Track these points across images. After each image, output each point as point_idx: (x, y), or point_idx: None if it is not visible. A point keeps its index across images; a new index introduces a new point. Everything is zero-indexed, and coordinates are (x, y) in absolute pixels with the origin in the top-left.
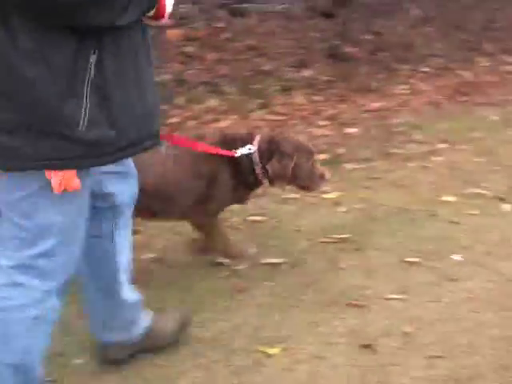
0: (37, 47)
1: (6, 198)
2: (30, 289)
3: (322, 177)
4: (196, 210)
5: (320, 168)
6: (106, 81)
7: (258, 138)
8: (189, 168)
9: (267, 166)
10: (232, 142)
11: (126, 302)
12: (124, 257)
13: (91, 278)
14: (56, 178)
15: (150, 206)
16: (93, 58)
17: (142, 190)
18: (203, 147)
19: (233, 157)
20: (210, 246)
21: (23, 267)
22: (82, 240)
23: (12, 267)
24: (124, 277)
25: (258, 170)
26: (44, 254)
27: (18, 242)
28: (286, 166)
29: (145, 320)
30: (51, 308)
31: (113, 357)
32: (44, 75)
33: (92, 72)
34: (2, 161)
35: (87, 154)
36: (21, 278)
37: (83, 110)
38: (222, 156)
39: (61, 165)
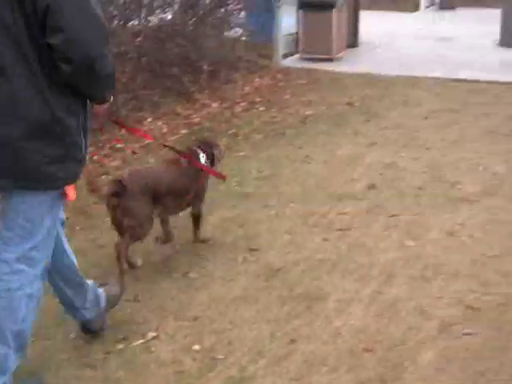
0: (71, 106)
1: (24, 208)
2: (25, 274)
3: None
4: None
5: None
6: (86, 122)
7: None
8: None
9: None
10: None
11: (87, 286)
12: (72, 255)
13: (56, 271)
14: (70, 190)
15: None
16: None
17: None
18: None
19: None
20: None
21: (22, 258)
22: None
23: (15, 259)
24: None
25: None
26: (35, 248)
27: (18, 240)
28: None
29: (102, 293)
30: (38, 288)
31: (97, 328)
32: (76, 124)
33: (83, 118)
34: (43, 184)
35: (81, 170)
36: (20, 267)
37: (83, 139)
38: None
39: (75, 180)
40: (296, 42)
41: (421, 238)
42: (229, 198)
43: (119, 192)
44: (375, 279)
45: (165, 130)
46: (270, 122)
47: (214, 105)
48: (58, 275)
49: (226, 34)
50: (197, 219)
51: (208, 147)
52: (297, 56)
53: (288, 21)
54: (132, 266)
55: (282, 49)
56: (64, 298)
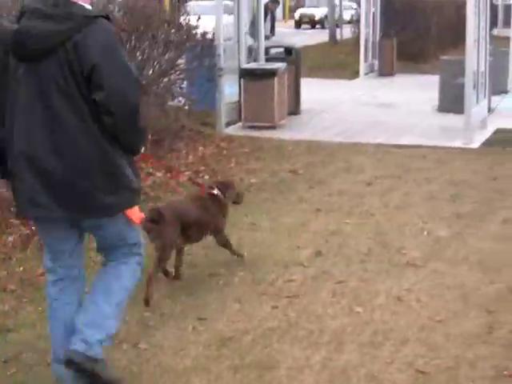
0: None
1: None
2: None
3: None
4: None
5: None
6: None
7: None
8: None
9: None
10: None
11: None
12: None
13: None
14: (133, 214)
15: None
16: None
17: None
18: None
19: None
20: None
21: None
22: None
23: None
24: None
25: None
26: None
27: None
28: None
29: None
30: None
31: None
32: (123, 161)
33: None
34: (100, 212)
35: (137, 197)
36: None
37: (130, 171)
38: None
39: (131, 206)
40: (238, 110)
41: (369, 304)
42: None
43: (156, 219)
44: (325, 346)
45: None
46: None
47: (159, 174)
48: None
49: (169, 103)
50: (226, 246)
51: (224, 187)
52: (239, 124)
53: (230, 89)
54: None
55: (224, 117)
56: None
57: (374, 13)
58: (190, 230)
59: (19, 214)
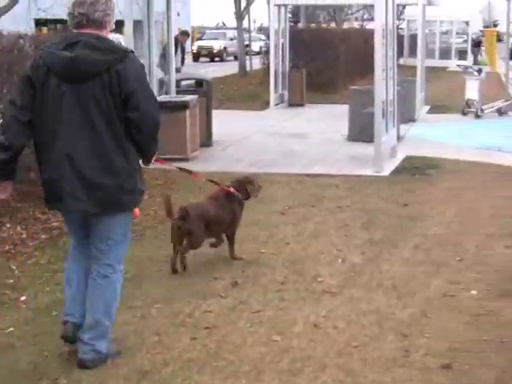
0: (136, 156)
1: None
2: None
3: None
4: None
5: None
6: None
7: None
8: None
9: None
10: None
11: None
12: None
13: None
14: (136, 211)
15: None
16: None
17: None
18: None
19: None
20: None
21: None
22: None
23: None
24: None
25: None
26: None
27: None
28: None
29: None
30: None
31: None
32: (138, 167)
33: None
34: (121, 208)
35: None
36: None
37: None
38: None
39: (139, 204)
40: None
41: (287, 332)
42: None
43: (185, 216)
44: (245, 375)
45: (24, 236)
46: None
47: None
48: None
49: None
50: (231, 239)
51: (241, 185)
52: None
53: None
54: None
55: None
56: None
57: (283, 44)
58: (211, 226)
59: (55, 207)
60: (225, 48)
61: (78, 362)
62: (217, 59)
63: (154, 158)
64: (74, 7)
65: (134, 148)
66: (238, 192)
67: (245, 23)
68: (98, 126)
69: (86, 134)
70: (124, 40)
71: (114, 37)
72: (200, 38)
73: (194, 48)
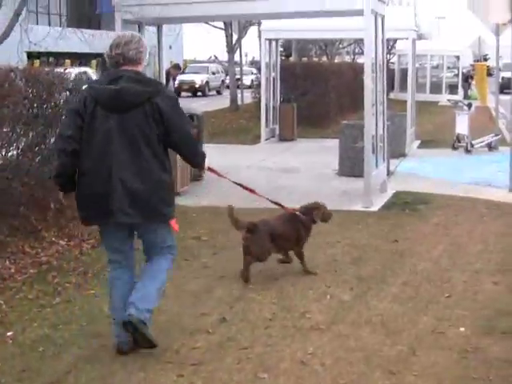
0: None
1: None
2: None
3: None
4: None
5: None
6: None
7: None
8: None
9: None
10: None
11: None
12: None
13: None
14: (175, 224)
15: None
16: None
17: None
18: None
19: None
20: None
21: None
22: None
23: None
24: None
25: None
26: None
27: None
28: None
29: None
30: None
31: None
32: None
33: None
34: (161, 219)
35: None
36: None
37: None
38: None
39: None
40: None
41: (274, 369)
42: (80, 337)
43: (253, 230)
44: None
45: (12, 270)
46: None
47: (62, 242)
48: None
49: None
50: (299, 257)
51: (308, 210)
52: None
53: None
54: (246, 279)
55: None
56: None
57: (274, 78)
58: (277, 241)
59: (102, 222)
60: (207, 82)
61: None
62: (199, 94)
63: (205, 168)
64: (111, 49)
65: (171, 166)
66: (305, 215)
67: (237, 57)
68: (143, 149)
69: (133, 155)
70: (92, 72)
71: (80, 70)
72: (182, 72)
73: (176, 82)
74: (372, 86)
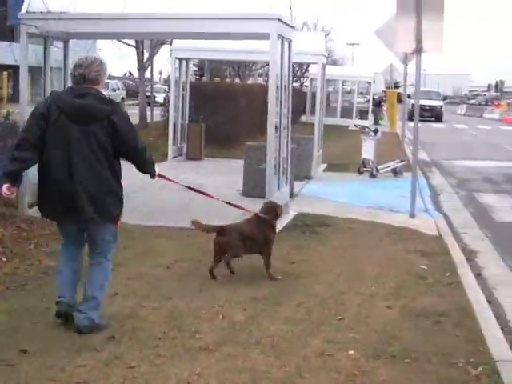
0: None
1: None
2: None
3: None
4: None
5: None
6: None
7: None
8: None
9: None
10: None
11: None
12: None
13: None
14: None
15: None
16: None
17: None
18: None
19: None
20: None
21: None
22: None
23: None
24: None
25: None
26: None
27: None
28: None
29: None
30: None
31: None
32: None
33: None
34: (111, 220)
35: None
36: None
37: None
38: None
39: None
40: None
41: None
42: None
43: (222, 232)
44: None
45: None
46: (11, 273)
47: None
48: None
49: None
50: (266, 260)
51: (269, 209)
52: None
53: (35, 170)
54: (232, 271)
55: (28, 198)
56: None
57: (183, 96)
58: (246, 242)
59: (53, 217)
60: (122, 99)
61: (76, 329)
62: None
63: (156, 175)
64: (74, 68)
65: (121, 175)
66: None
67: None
68: (99, 158)
69: (91, 163)
70: None
71: None
72: None
73: None
74: (276, 109)
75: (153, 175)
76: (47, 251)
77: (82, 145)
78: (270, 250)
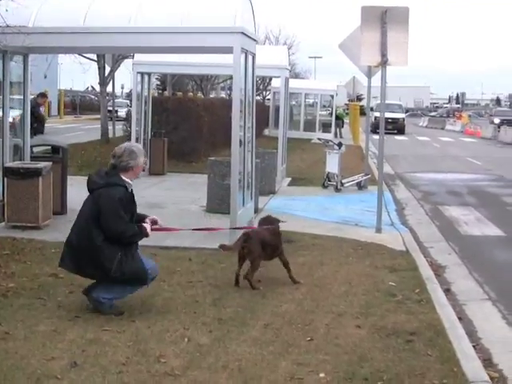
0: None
1: None
2: None
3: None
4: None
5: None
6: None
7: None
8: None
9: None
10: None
11: None
12: None
13: None
14: None
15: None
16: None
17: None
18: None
19: None
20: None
21: None
22: None
23: None
24: None
25: None
26: None
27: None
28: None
29: None
30: None
31: None
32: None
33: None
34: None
35: None
36: None
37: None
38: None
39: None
40: (2, 209)
41: None
42: None
43: (247, 240)
44: None
45: None
46: None
47: None
48: None
49: None
50: (285, 265)
51: (269, 222)
52: (3, 224)
53: None
54: (253, 287)
55: None
56: None
57: (145, 111)
58: (267, 249)
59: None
60: None
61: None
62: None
63: (149, 235)
64: (112, 156)
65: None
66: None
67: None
68: (89, 222)
69: (83, 224)
70: None
71: None
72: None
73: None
74: (240, 123)
75: (145, 236)
76: (6, 272)
77: (83, 210)
78: (283, 256)
